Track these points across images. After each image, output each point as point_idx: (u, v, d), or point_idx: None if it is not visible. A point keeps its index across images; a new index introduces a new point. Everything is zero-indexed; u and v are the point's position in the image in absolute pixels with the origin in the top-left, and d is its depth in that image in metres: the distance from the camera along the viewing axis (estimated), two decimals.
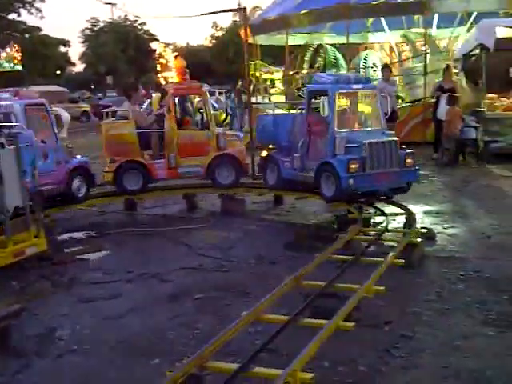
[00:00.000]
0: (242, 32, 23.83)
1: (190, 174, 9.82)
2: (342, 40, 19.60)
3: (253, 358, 3.97)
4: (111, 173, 9.51)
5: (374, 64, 19.64)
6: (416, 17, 18.75)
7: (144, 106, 25.06)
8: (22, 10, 49.90)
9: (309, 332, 4.25)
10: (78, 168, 9.28)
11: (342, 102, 8.44)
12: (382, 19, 18.90)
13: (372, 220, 8.21)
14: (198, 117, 10.78)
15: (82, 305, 5.93)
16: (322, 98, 8.15)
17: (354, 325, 4.51)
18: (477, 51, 13.54)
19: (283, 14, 19.19)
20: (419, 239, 6.80)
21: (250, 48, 23.21)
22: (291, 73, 20.55)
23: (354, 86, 8.36)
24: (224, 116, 24.11)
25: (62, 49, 58.81)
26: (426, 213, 8.78)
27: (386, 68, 13.61)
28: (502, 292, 5.61)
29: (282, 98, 20.17)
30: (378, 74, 17.71)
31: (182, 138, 9.65)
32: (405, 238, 6.69)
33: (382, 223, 7.97)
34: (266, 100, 19.57)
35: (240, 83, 23.83)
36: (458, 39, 18.45)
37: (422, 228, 7.52)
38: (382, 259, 6.02)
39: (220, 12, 13.63)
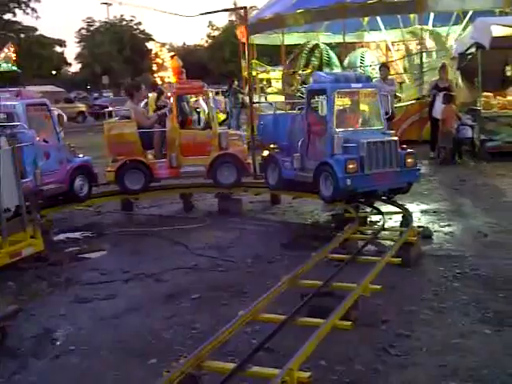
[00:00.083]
0: (238, 31, 23.93)
1: (192, 174, 9.80)
2: (339, 39, 19.64)
3: (250, 358, 3.97)
4: (113, 172, 9.54)
5: (371, 62, 19.63)
6: (412, 16, 18.78)
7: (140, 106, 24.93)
8: (17, 10, 49.84)
9: (306, 331, 4.24)
10: (81, 167, 9.33)
11: (341, 102, 8.35)
12: (378, 18, 18.94)
13: (369, 219, 8.23)
14: (195, 116, 10.79)
15: (79, 305, 5.92)
16: (321, 97, 8.09)
17: (351, 324, 4.51)
18: (472, 50, 13.55)
19: (279, 13, 19.22)
20: (416, 238, 6.80)
21: (246, 47, 23.30)
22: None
23: (353, 85, 8.25)
24: (223, 116, 24.07)
25: (58, 49, 58.79)
26: (423, 211, 8.79)
27: (383, 67, 13.61)
28: (499, 290, 5.62)
29: (279, 98, 20.16)
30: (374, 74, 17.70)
31: (183, 137, 9.62)
32: (401, 237, 6.69)
33: (378, 222, 7.98)
34: (263, 99, 19.55)
35: (236, 83, 23.83)
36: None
37: (418, 227, 7.54)
38: (379, 258, 6.03)
39: (220, 11, 13.65)
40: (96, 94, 55.00)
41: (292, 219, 9.05)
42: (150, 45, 56.86)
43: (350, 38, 20.25)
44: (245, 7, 10.94)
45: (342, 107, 8.39)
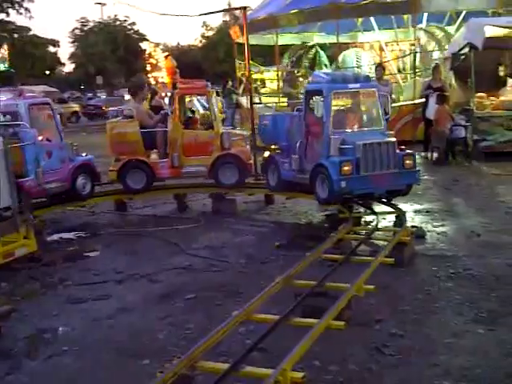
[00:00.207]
0: (231, 31, 23.91)
1: (194, 174, 9.77)
2: (332, 40, 19.66)
3: (243, 358, 3.97)
4: (115, 172, 9.56)
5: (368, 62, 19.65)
6: (405, 16, 18.82)
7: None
8: (10, 10, 49.61)
9: (300, 331, 4.25)
10: (83, 166, 9.37)
11: (339, 102, 8.24)
12: (372, 19, 18.96)
13: (363, 219, 8.23)
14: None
15: (72, 305, 5.91)
16: (317, 97, 7.98)
17: (345, 324, 4.52)
18: (466, 50, 13.58)
19: (273, 13, 19.20)
20: (409, 238, 6.81)
21: (239, 48, 23.29)
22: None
23: (351, 86, 8.06)
24: (221, 116, 24.05)
25: (52, 49, 58.57)
26: (416, 211, 8.80)
27: (378, 67, 13.62)
28: (492, 290, 5.64)
29: (273, 99, 20.16)
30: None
31: (186, 137, 9.60)
32: (395, 237, 6.70)
33: (372, 222, 7.99)
34: (256, 100, 19.52)
35: (230, 83, 23.81)
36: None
37: (412, 227, 7.56)
38: (373, 258, 6.05)
39: (220, 12, 13.63)
40: (90, 94, 54.86)
41: (286, 219, 9.05)
42: (143, 45, 56.84)
43: (343, 39, 20.26)
44: (244, 7, 10.85)
45: (339, 108, 8.27)
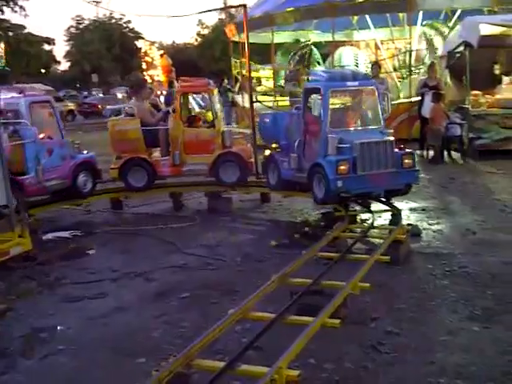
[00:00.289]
0: (227, 30, 23.88)
1: (195, 172, 9.74)
2: (328, 38, 19.64)
3: (239, 356, 3.97)
4: (117, 169, 9.57)
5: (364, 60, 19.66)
6: (401, 14, 18.84)
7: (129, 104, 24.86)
8: (5, 8, 49.44)
9: (295, 329, 4.25)
10: (84, 163, 9.41)
11: (336, 101, 8.18)
12: (367, 17, 18.97)
13: (358, 217, 8.23)
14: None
15: (68, 304, 5.90)
16: (315, 96, 7.89)
17: (341, 322, 4.53)
18: (461, 48, 13.60)
19: (269, 11, 19.18)
20: (405, 236, 6.82)
21: (235, 46, 23.26)
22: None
23: (349, 84, 7.97)
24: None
25: (47, 47, 58.41)
26: (412, 209, 8.81)
27: (374, 65, 13.61)
28: (487, 288, 5.65)
29: (269, 97, 20.13)
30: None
31: (187, 135, 9.57)
32: (391, 235, 6.71)
33: (368, 220, 7.99)
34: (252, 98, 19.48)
35: (226, 81, 23.80)
36: None
37: (407, 225, 7.56)
38: (368, 256, 6.06)
39: (218, 10, 13.54)
40: (85, 93, 54.74)
41: (282, 218, 9.04)
42: (139, 43, 56.76)
43: (339, 37, 20.21)
44: (244, 5, 10.77)
45: (337, 106, 8.20)
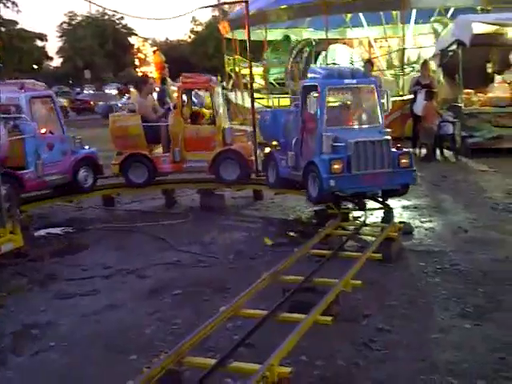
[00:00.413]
0: (220, 27, 23.85)
1: (195, 169, 9.71)
2: (321, 35, 19.64)
3: (231, 353, 3.97)
4: (117, 165, 9.58)
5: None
6: (394, 12, 18.86)
7: (123, 101, 24.88)
8: None
9: (287, 327, 4.25)
10: (85, 159, 9.44)
11: (334, 98, 8.07)
12: (361, 15, 18.99)
13: (351, 215, 8.23)
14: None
15: (60, 301, 5.88)
16: (312, 93, 7.78)
17: (332, 319, 4.53)
18: (454, 47, 13.63)
19: (262, 9, 19.17)
20: (397, 233, 6.83)
21: (228, 43, 23.24)
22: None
23: (347, 81, 7.82)
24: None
25: (39, 43, 58.15)
26: (404, 207, 8.83)
27: (367, 63, 13.61)
28: (478, 285, 5.68)
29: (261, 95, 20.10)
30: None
31: (187, 132, 9.54)
32: (383, 233, 6.72)
33: (360, 218, 8.00)
34: (246, 95, 19.49)
35: (220, 78, 23.73)
36: None
37: (399, 222, 7.56)
38: (360, 253, 6.06)
39: (217, 6, 13.42)
40: (78, 89, 54.55)
41: (275, 215, 9.04)
42: (132, 39, 56.63)
43: (332, 35, 20.21)
44: (246, 1, 10.71)
45: (334, 104, 8.10)
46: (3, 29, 50.30)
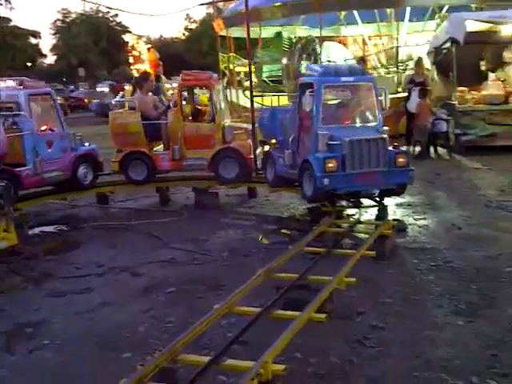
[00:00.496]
0: (215, 24, 23.81)
1: (195, 167, 9.67)
2: (315, 33, 19.65)
3: (225, 351, 3.98)
4: (117, 163, 9.58)
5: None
6: (388, 10, 18.88)
7: (117, 99, 24.83)
8: None
9: (281, 324, 4.26)
10: (85, 156, 9.45)
11: (330, 96, 7.98)
12: (355, 12, 19.00)
13: (345, 212, 8.25)
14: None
15: (53, 299, 5.87)
16: (307, 91, 7.65)
17: (326, 316, 4.54)
18: (448, 45, 13.66)
19: (256, 6, 19.12)
20: (391, 231, 6.85)
21: (223, 41, 23.21)
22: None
23: (344, 79, 7.73)
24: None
25: (33, 40, 57.90)
26: (398, 205, 8.84)
27: (360, 61, 13.61)
28: (472, 282, 5.70)
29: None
30: None
31: (187, 129, 9.50)
32: (377, 230, 6.73)
33: (354, 215, 8.01)
34: (240, 93, 19.48)
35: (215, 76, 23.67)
36: None
37: (393, 220, 7.59)
38: (354, 251, 6.08)
39: (214, 2, 13.28)
40: (72, 87, 54.39)
41: (269, 212, 9.04)
42: (126, 37, 56.40)
43: (326, 32, 20.23)
44: None
45: (331, 102, 8.01)
46: None
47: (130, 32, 60.35)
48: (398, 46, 17.16)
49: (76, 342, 4.85)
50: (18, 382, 4.31)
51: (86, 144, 9.76)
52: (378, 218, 7.65)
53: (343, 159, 7.19)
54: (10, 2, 49.68)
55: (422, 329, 4.78)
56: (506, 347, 4.41)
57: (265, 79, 21.15)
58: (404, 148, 7.85)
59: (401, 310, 5.17)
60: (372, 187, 7.64)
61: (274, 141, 9.09)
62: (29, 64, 57.43)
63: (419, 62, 14.33)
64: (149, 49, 23.29)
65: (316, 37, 19.97)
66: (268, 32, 22.23)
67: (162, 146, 9.90)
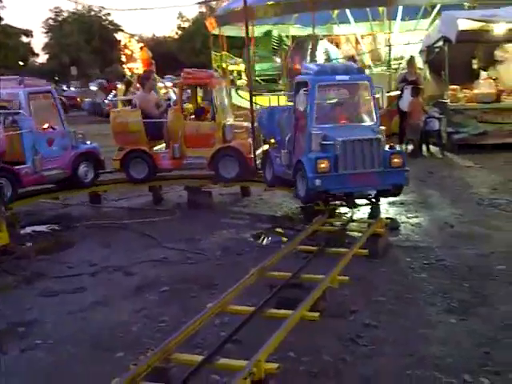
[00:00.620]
0: (207, 23, 23.79)
1: (195, 166, 9.65)
2: (308, 32, 19.67)
3: (218, 350, 3.97)
4: (118, 161, 9.58)
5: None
6: (381, 9, 18.91)
7: (110, 97, 24.74)
8: None
9: (274, 323, 4.26)
10: (86, 154, 9.46)
11: (325, 95, 7.88)
12: (348, 11, 19.02)
13: (337, 211, 8.24)
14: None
15: (46, 299, 5.85)
16: (302, 90, 7.60)
17: (319, 315, 4.55)
18: (440, 43, 13.70)
19: (249, 5, 19.09)
20: (383, 229, 6.86)
21: (215, 39, 23.19)
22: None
23: (339, 78, 7.61)
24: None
25: (25, 39, 57.66)
26: (391, 203, 8.85)
27: (351, 60, 13.62)
28: (464, 280, 5.72)
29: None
30: None
31: (187, 128, 9.47)
32: (369, 229, 6.74)
33: (347, 214, 8.02)
34: (233, 92, 19.46)
35: None
36: None
37: (386, 218, 7.59)
38: (347, 249, 6.08)
39: (208, 1, 13.26)
40: (64, 86, 54.17)
41: (262, 211, 9.04)
42: (118, 36, 56.17)
43: (319, 31, 20.26)
44: None
45: (326, 101, 7.91)
46: None
47: (123, 30, 60.17)
48: (390, 45, 17.18)
49: (68, 341, 4.83)
50: (10, 382, 4.30)
51: (88, 142, 9.78)
52: (370, 216, 7.65)
53: (336, 159, 7.09)
54: (1, 1, 49.50)
55: (414, 327, 4.79)
56: (498, 345, 4.43)
57: (256, 78, 21.14)
58: (399, 148, 7.76)
59: (393, 308, 5.18)
60: (366, 188, 7.54)
61: (273, 140, 9.05)
62: (21, 63, 57.20)
63: (411, 60, 14.36)
64: (141, 47, 23.28)
65: (308, 35, 20.03)
66: (261, 31, 22.24)
67: (164, 144, 9.88)
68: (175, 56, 57.39)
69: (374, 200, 7.91)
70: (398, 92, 14.20)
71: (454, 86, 13.60)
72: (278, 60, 21.33)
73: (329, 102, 8.00)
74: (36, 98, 8.95)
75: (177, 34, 67.25)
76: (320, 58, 18.14)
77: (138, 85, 14.54)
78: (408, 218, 8.06)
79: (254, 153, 9.39)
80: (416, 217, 8.11)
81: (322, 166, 7.05)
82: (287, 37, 22.51)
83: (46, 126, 8.96)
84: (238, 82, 22.19)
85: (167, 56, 50.53)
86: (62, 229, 8.51)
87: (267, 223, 8.20)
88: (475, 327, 4.73)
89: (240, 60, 23.77)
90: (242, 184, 9.80)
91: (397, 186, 7.47)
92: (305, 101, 7.47)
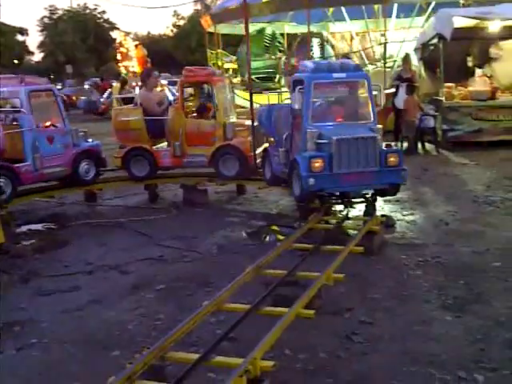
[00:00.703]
0: (202, 21, 23.76)
1: (196, 164, 9.62)
2: (303, 29, 19.68)
3: (214, 348, 3.98)
4: (120, 159, 9.59)
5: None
6: (376, 7, 18.93)
7: (105, 96, 24.66)
8: None
9: (270, 320, 4.27)
10: (87, 151, 9.45)
11: (321, 93, 7.79)
12: (343, 9, 19.03)
13: (333, 208, 8.25)
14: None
15: (42, 298, 5.85)
16: (297, 88, 7.48)
17: (315, 312, 4.56)
18: (435, 41, 13.72)
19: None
20: (379, 227, 6.87)
21: (211, 37, 23.16)
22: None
23: (336, 75, 7.50)
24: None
25: (20, 37, 57.52)
26: (386, 200, 8.86)
27: (344, 58, 13.63)
28: (459, 277, 5.73)
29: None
30: None
31: (188, 126, 9.45)
32: (365, 226, 6.75)
33: (342, 211, 8.02)
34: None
35: None
36: None
37: (381, 215, 7.61)
38: (343, 247, 6.09)
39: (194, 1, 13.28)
40: (59, 84, 54.04)
41: (258, 209, 9.05)
42: (114, 34, 56.13)
43: (314, 29, 20.27)
44: None
45: (322, 99, 7.82)
46: None
47: (118, 29, 60.11)
48: (385, 43, 17.19)
49: (64, 340, 4.83)
50: (6, 381, 4.29)
51: (90, 140, 9.77)
52: (366, 213, 7.65)
53: (330, 158, 7.00)
54: None
55: (410, 324, 4.80)
56: (493, 342, 4.44)
57: (252, 77, 21.11)
58: (396, 147, 7.72)
59: (389, 305, 5.20)
60: (361, 188, 7.45)
61: (272, 139, 9.02)
62: (16, 61, 57.08)
63: (406, 58, 14.38)
64: (136, 45, 23.26)
65: (304, 33, 20.05)
66: (255, 29, 22.21)
67: (166, 142, 9.88)
68: (170, 54, 57.35)
69: (374, 200, 7.82)
70: (393, 90, 14.23)
71: (449, 84, 13.63)
72: (273, 58, 21.33)
73: (325, 100, 7.92)
74: (37, 96, 8.95)
75: (172, 31, 67.18)
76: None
77: (133, 83, 14.57)
78: (403, 215, 8.09)
79: (254, 151, 9.36)
80: (411, 214, 8.13)
81: (316, 165, 6.97)
82: (281, 34, 22.51)
83: (47, 123, 8.97)
84: (234, 80, 22.16)
85: (162, 54, 50.46)
86: (58, 227, 8.49)
87: (263, 221, 8.20)
88: (470, 324, 4.75)
89: (235, 58, 23.75)
90: (239, 182, 9.79)
91: (393, 185, 7.37)
92: (301, 99, 7.41)
